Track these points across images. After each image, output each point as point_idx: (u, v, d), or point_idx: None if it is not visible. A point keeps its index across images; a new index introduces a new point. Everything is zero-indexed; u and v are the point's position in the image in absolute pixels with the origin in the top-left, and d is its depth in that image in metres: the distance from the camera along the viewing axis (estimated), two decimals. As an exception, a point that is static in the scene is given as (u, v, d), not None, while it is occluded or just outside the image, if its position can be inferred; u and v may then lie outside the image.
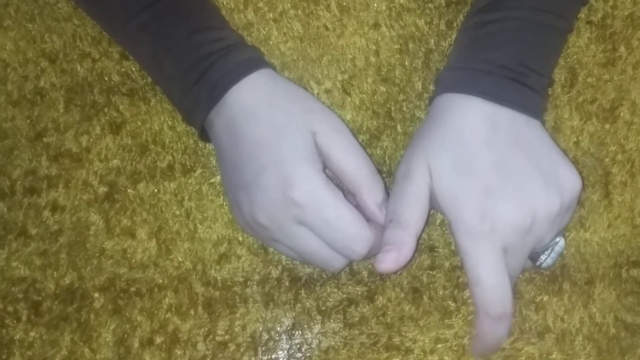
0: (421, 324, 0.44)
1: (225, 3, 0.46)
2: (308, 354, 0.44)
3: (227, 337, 0.44)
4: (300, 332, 0.44)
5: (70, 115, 0.46)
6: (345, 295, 0.45)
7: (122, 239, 0.45)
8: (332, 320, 0.44)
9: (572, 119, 0.46)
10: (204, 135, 0.42)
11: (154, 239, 0.45)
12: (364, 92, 0.46)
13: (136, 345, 0.44)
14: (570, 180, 0.38)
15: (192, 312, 0.44)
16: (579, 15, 0.47)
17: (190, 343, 0.44)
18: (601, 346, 0.44)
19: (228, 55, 0.40)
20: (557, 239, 0.39)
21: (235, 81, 0.39)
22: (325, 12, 0.46)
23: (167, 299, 0.44)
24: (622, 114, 0.46)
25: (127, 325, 0.44)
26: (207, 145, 0.45)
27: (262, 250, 0.45)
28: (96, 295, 0.44)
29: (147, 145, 0.45)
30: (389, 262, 0.37)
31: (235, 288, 0.44)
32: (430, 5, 0.47)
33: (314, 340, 0.44)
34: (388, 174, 0.45)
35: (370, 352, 0.44)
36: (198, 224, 0.45)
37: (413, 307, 0.44)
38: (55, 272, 0.44)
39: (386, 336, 0.44)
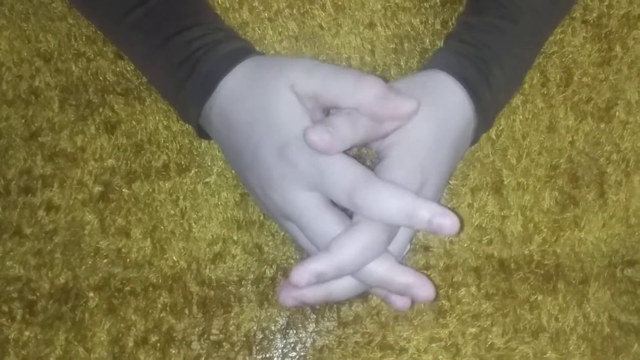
0: (415, 323, 0.44)
1: (220, 2, 0.46)
2: (302, 353, 0.44)
3: (221, 336, 0.44)
4: (294, 331, 0.44)
5: (65, 115, 0.46)
6: (339, 295, 0.45)
7: (116, 239, 0.45)
8: (326, 319, 0.44)
9: (567, 119, 0.46)
10: (201, 132, 0.42)
11: (148, 239, 0.45)
12: (359, 91, 0.46)
13: (131, 344, 0.44)
14: None
15: (186, 311, 0.44)
16: (575, 15, 0.47)
17: (184, 342, 0.44)
18: (595, 345, 0.44)
19: (217, 47, 0.40)
20: None
21: (224, 73, 0.39)
22: (321, 11, 0.46)
23: (161, 298, 0.44)
24: (617, 113, 0.46)
25: (122, 325, 0.44)
26: (202, 144, 0.45)
27: (257, 250, 0.45)
28: (91, 294, 0.44)
29: (142, 145, 0.45)
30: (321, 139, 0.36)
31: (229, 287, 0.44)
32: (425, 4, 0.47)
33: (308, 339, 0.44)
34: (383, 174, 0.45)
35: (364, 351, 0.44)
36: (193, 224, 0.45)
37: (407, 307, 0.44)
38: (50, 272, 0.44)
39: (380, 335, 0.44)
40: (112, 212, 0.45)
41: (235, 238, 0.45)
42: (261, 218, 0.45)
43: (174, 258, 0.45)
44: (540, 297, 0.45)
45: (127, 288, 0.44)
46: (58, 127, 0.46)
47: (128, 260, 0.45)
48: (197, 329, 0.44)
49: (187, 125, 0.45)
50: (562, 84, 0.46)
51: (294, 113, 0.37)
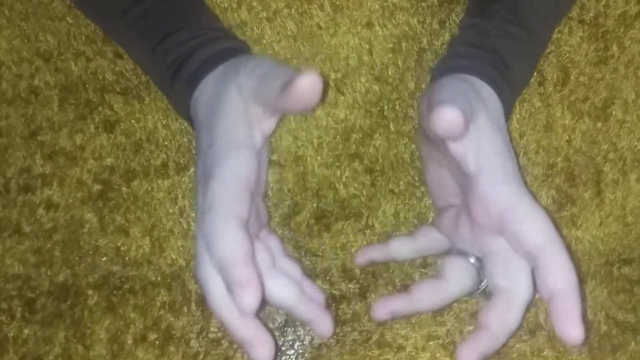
0: (413, 321, 0.44)
1: (218, 2, 0.46)
2: (300, 351, 0.45)
3: (220, 334, 0.44)
4: (292, 329, 0.45)
5: (65, 114, 0.46)
6: (337, 292, 0.45)
7: (115, 237, 0.45)
8: (324, 318, 0.45)
9: (564, 118, 0.46)
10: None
11: (147, 237, 0.45)
12: (357, 91, 0.46)
13: (130, 342, 0.44)
14: None
15: (185, 309, 0.44)
16: (571, 14, 0.47)
17: (183, 340, 0.44)
18: (592, 343, 0.45)
19: (206, 47, 0.40)
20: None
21: (207, 72, 0.39)
22: (319, 11, 0.47)
23: (160, 296, 0.44)
24: (614, 112, 0.47)
25: (121, 322, 0.44)
26: (201, 143, 0.46)
27: (255, 248, 0.45)
28: (90, 292, 0.44)
29: (141, 144, 0.46)
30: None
31: (228, 285, 0.44)
32: (423, 4, 0.47)
33: (306, 337, 0.45)
34: (381, 173, 0.46)
35: (362, 349, 0.44)
36: (191, 222, 0.45)
37: (405, 305, 0.45)
38: (49, 270, 0.45)
39: (378, 333, 0.44)
40: (111, 211, 0.45)
41: (233, 236, 0.45)
42: (259, 216, 0.45)
43: (173, 256, 0.45)
44: (537, 295, 0.45)
45: (126, 286, 0.44)
46: (57, 126, 0.46)
47: (127, 258, 0.45)
48: (195, 327, 0.44)
49: (185, 124, 0.45)
50: (559, 83, 0.47)
51: (237, 129, 0.36)
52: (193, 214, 0.45)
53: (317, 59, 0.46)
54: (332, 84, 0.46)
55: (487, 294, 0.38)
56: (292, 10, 0.47)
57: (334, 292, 0.45)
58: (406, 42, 0.47)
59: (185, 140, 0.46)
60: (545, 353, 0.44)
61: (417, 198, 0.45)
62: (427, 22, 0.47)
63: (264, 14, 0.46)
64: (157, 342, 0.44)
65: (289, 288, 0.36)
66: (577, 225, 0.46)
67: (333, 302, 0.45)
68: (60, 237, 0.45)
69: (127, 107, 0.46)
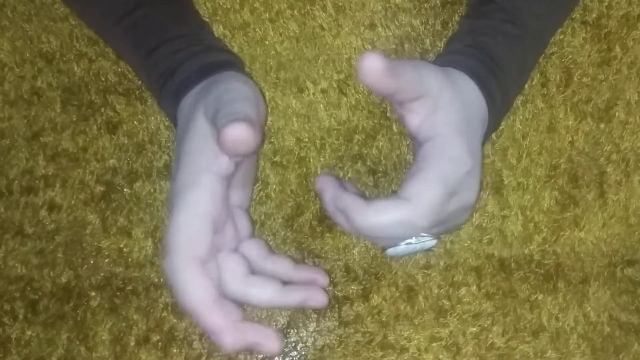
0: (416, 323, 0.44)
1: (221, 3, 0.46)
2: (303, 352, 0.44)
3: (223, 335, 0.44)
4: (295, 331, 0.45)
5: (67, 115, 0.46)
6: (340, 294, 0.45)
7: (118, 238, 0.45)
8: (327, 319, 0.45)
9: (567, 119, 0.46)
10: None
11: (150, 238, 0.45)
12: (359, 92, 0.46)
13: (132, 343, 0.44)
14: None
15: (188, 310, 0.44)
16: (574, 15, 0.47)
17: (186, 341, 0.44)
18: (595, 345, 0.45)
19: (191, 61, 0.39)
20: (429, 238, 0.37)
21: (191, 87, 0.39)
22: (321, 12, 0.47)
23: (163, 298, 0.44)
24: (617, 113, 0.46)
25: (124, 324, 0.44)
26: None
27: (258, 249, 0.45)
28: (93, 294, 0.44)
29: (143, 145, 0.46)
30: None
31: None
32: (425, 5, 0.47)
33: (309, 339, 0.45)
34: (384, 174, 0.46)
35: (365, 351, 0.44)
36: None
37: (408, 306, 0.45)
38: (51, 271, 0.45)
39: (381, 335, 0.44)
40: (114, 212, 0.45)
41: (236, 238, 0.45)
42: (262, 217, 0.45)
43: (176, 258, 0.45)
44: (540, 297, 0.45)
45: (129, 287, 0.44)
46: (60, 127, 0.46)
47: (130, 259, 0.45)
48: (198, 328, 0.44)
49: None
50: (562, 85, 0.46)
51: (199, 150, 0.35)
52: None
53: (319, 60, 0.46)
54: (334, 85, 0.46)
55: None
56: (295, 12, 0.46)
57: (336, 293, 0.45)
58: (409, 43, 0.47)
59: (188, 141, 0.46)
60: (548, 354, 0.44)
61: (420, 199, 0.45)
62: (430, 23, 0.47)
63: (267, 15, 0.46)
64: (159, 344, 0.44)
65: (267, 289, 0.36)
66: (580, 226, 0.46)
67: (336, 304, 0.45)
68: (63, 239, 0.45)
69: (129, 109, 0.46)
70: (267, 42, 0.46)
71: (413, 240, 0.36)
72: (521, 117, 0.46)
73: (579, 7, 0.47)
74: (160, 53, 0.40)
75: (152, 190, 0.45)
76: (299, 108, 0.46)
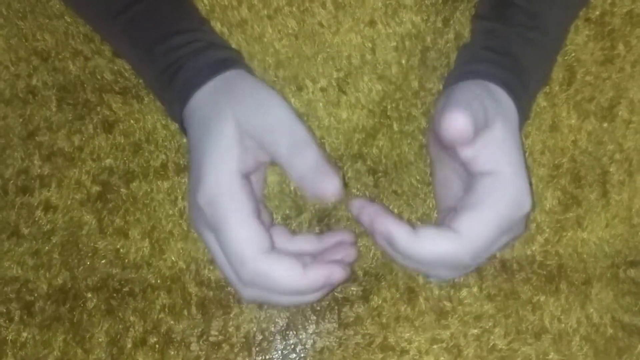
0: (417, 325, 0.44)
1: (218, 0, 0.46)
2: (302, 354, 0.44)
3: (220, 337, 0.44)
4: (294, 333, 0.44)
5: (63, 114, 0.45)
6: (340, 295, 0.44)
7: (115, 239, 0.44)
8: (326, 321, 0.44)
9: (570, 118, 0.46)
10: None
11: (147, 239, 0.44)
12: (359, 90, 0.45)
13: (129, 345, 0.43)
14: None
15: (185, 312, 0.44)
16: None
17: (183, 343, 0.44)
18: (598, 347, 0.44)
19: (197, 57, 0.39)
20: None
21: (197, 86, 0.38)
22: (321, 9, 0.46)
23: (160, 299, 0.44)
24: (620, 112, 0.46)
25: (120, 326, 0.44)
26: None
27: (257, 250, 0.44)
28: (89, 295, 0.44)
29: (140, 144, 0.45)
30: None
31: (228, 288, 0.44)
32: (426, 2, 0.46)
33: (308, 341, 0.44)
34: (384, 173, 0.45)
35: (365, 353, 0.44)
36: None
37: (409, 308, 0.44)
38: (47, 272, 0.44)
39: (381, 336, 0.44)
40: (110, 212, 0.44)
41: (234, 238, 0.44)
42: (261, 218, 0.45)
43: (173, 258, 0.44)
44: (542, 298, 0.44)
45: (126, 289, 0.44)
46: (55, 126, 0.45)
47: (126, 260, 0.44)
48: (196, 330, 0.44)
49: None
50: (565, 83, 0.46)
51: (227, 153, 0.36)
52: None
53: (318, 58, 0.45)
54: (334, 83, 0.45)
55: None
56: (294, 8, 0.46)
57: (336, 294, 0.44)
58: (410, 40, 0.46)
59: (185, 140, 0.45)
60: (550, 356, 0.44)
61: (421, 199, 0.45)
62: (431, 20, 0.46)
63: (265, 12, 0.46)
64: (157, 346, 0.43)
65: (293, 269, 0.35)
66: (583, 226, 0.45)
67: (335, 305, 0.44)
68: (59, 239, 0.44)
69: (126, 107, 0.45)
70: (265, 40, 0.46)
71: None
72: (523, 116, 0.46)
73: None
74: (162, 48, 0.40)
75: (149, 190, 0.45)
76: (297, 106, 0.45)
